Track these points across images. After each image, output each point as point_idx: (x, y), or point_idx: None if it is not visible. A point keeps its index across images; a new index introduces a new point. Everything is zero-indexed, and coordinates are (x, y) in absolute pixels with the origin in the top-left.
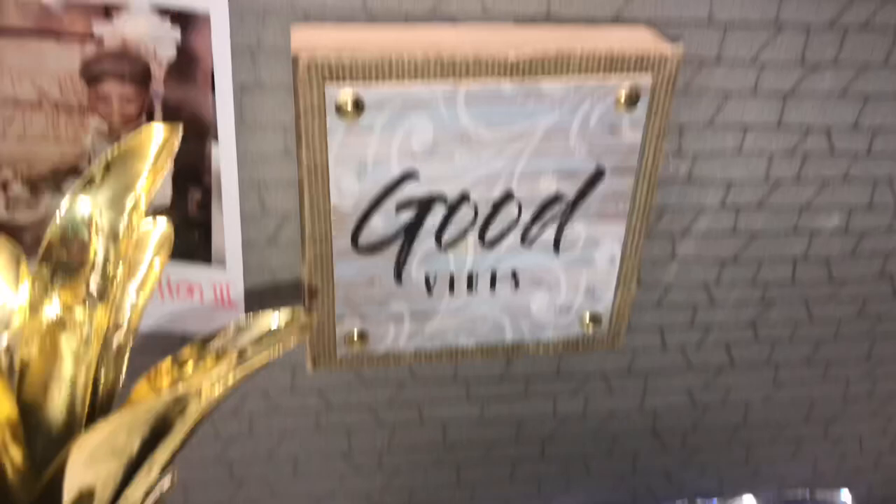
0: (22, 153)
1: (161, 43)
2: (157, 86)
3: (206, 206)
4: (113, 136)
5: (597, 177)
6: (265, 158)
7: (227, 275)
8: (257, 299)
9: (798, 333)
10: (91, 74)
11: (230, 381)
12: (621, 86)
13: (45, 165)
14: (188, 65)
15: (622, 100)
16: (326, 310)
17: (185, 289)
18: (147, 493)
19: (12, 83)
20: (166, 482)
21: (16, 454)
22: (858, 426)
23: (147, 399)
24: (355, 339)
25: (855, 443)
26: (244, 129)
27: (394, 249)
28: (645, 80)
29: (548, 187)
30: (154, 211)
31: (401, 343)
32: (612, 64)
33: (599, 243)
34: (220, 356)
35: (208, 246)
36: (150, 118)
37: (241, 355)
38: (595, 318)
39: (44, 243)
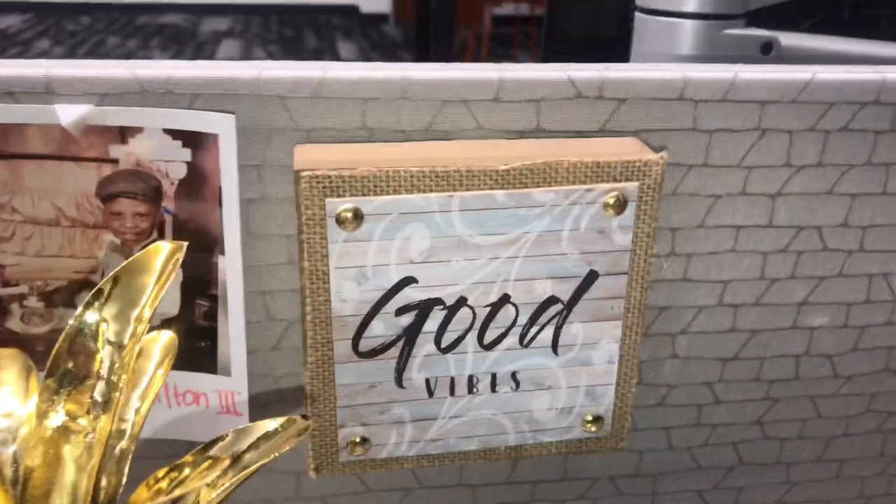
0: (38, 268)
1: (172, 162)
2: (168, 202)
3: (212, 315)
4: (126, 250)
5: (590, 279)
6: (270, 268)
7: (232, 383)
8: (261, 406)
9: (807, 431)
10: (106, 193)
11: (226, 485)
12: (609, 192)
13: (60, 280)
14: (197, 182)
15: (611, 205)
16: (328, 415)
17: (191, 397)
18: None
19: (33, 203)
20: None
21: None
22: None
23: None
24: (357, 444)
25: None
26: (251, 240)
27: (394, 353)
28: (632, 187)
29: (543, 290)
30: (162, 320)
31: (403, 448)
32: (599, 172)
33: (597, 344)
34: (216, 461)
35: (214, 355)
36: (162, 233)
37: (237, 460)
38: (597, 419)
39: (52, 355)
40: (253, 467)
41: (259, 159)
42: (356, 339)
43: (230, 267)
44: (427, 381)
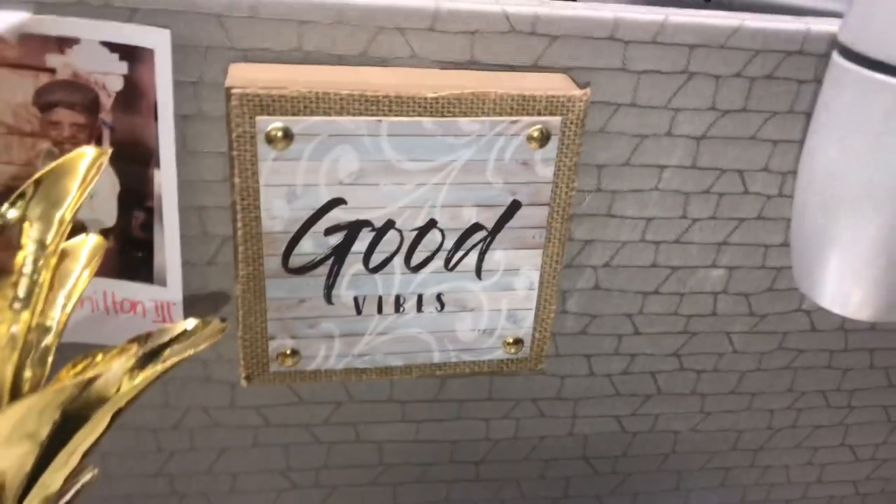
0: None
1: (109, 75)
2: (106, 115)
3: (148, 227)
4: None
5: (513, 208)
6: (206, 184)
7: (168, 293)
8: (197, 317)
9: (722, 364)
10: (44, 102)
11: (144, 376)
12: (533, 125)
13: None
14: (134, 96)
15: (534, 138)
16: (258, 327)
17: (128, 305)
18: (66, 482)
19: None
20: (88, 474)
21: None
22: (784, 457)
23: (47, 391)
24: (287, 356)
25: (782, 474)
26: (186, 156)
27: (323, 271)
28: (555, 121)
29: (468, 217)
30: (99, 230)
31: (331, 361)
32: (525, 105)
33: (519, 271)
34: (129, 349)
35: (150, 265)
36: (99, 144)
37: (156, 354)
38: (517, 342)
39: None
40: (170, 361)
41: (195, 76)
42: (286, 256)
43: (165, 180)
44: (355, 298)
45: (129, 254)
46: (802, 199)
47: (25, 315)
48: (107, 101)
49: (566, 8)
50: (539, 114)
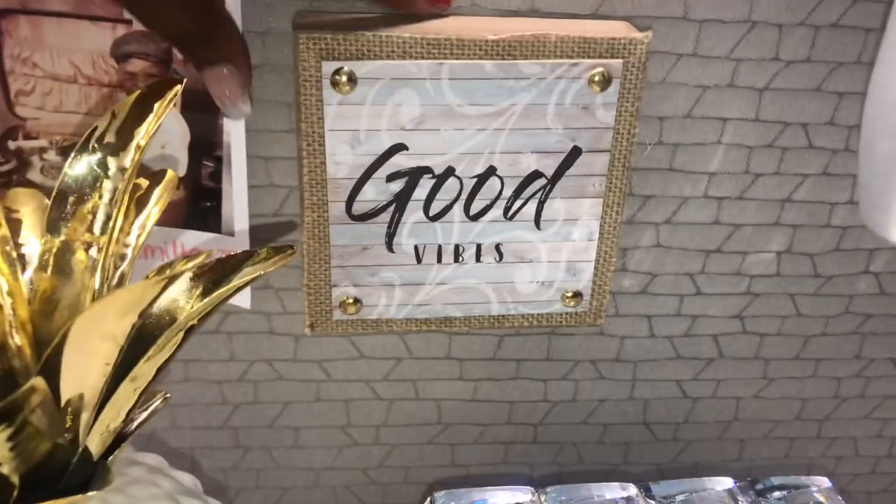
0: (57, 124)
1: None
2: (177, 65)
3: (217, 177)
4: None
5: (573, 155)
6: (273, 135)
7: (235, 242)
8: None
9: (786, 328)
10: (120, 53)
11: (215, 295)
12: (594, 68)
13: (77, 136)
14: None
15: (595, 81)
16: (322, 274)
17: (196, 253)
18: (140, 402)
19: (52, 60)
20: (159, 398)
21: (25, 349)
22: (851, 429)
23: (130, 288)
24: (349, 304)
25: (850, 446)
26: (254, 106)
27: (385, 218)
28: (616, 64)
29: (528, 164)
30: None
31: (392, 311)
32: (585, 48)
33: (578, 220)
34: (204, 264)
35: (219, 214)
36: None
37: (227, 275)
38: (576, 295)
39: (58, 183)
40: (239, 281)
41: (263, 27)
42: (349, 202)
43: (234, 130)
44: (416, 247)
45: (198, 203)
46: (871, 128)
47: (103, 239)
48: (179, 52)
49: None
50: (600, 56)
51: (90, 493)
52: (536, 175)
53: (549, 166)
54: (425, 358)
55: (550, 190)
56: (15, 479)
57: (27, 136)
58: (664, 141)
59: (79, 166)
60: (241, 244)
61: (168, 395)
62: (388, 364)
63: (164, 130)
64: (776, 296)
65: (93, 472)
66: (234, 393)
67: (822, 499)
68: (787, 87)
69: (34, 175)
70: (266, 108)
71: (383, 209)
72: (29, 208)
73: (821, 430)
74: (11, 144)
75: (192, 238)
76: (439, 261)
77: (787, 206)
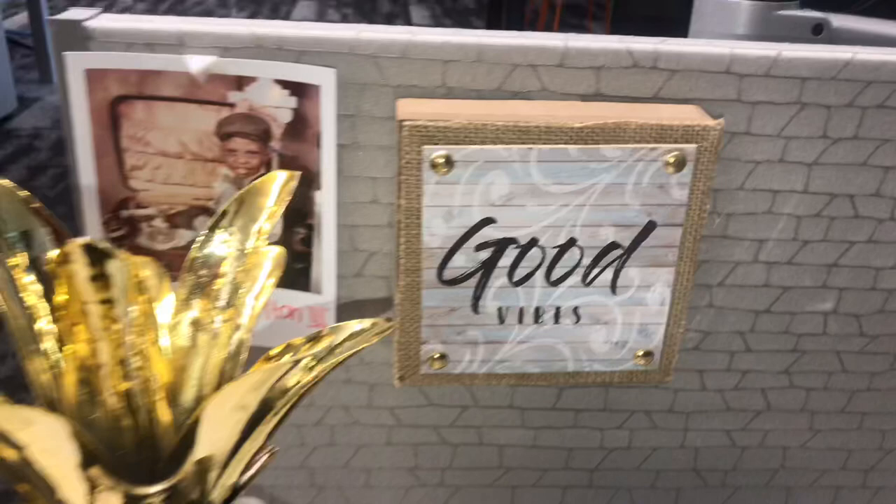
0: (164, 194)
1: (280, 108)
2: (276, 143)
3: (308, 242)
4: (238, 182)
5: (649, 229)
6: (358, 205)
7: (323, 300)
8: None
9: (832, 383)
10: (223, 132)
11: (323, 367)
12: (670, 152)
13: (181, 205)
14: (301, 126)
15: (671, 163)
16: (413, 332)
17: (287, 310)
18: (254, 458)
19: (163, 139)
20: (266, 454)
21: (164, 413)
22: None
23: (261, 368)
24: (436, 359)
25: (894, 496)
26: (341, 180)
27: (472, 283)
28: (691, 148)
29: (606, 236)
30: (269, 243)
31: (475, 366)
32: (663, 134)
33: (651, 287)
34: (317, 342)
35: (308, 275)
36: (269, 169)
37: (333, 349)
38: (647, 354)
39: (188, 258)
40: (344, 355)
41: (353, 110)
42: (441, 269)
43: (325, 201)
44: (499, 309)
45: (291, 265)
46: None
47: (228, 312)
48: (277, 131)
49: (685, 44)
50: (676, 141)
51: None
52: (614, 246)
53: (625, 238)
54: (489, 407)
55: (626, 259)
56: None
57: (138, 206)
58: (718, 210)
59: (208, 246)
60: (327, 301)
61: (276, 451)
62: (455, 412)
63: None
64: (823, 353)
65: None
66: (312, 436)
67: None
68: (834, 161)
69: (142, 240)
70: (352, 182)
71: (471, 275)
72: (147, 275)
73: (866, 480)
74: (124, 213)
75: (286, 296)
76: (520, 321)
77: (835, 271)
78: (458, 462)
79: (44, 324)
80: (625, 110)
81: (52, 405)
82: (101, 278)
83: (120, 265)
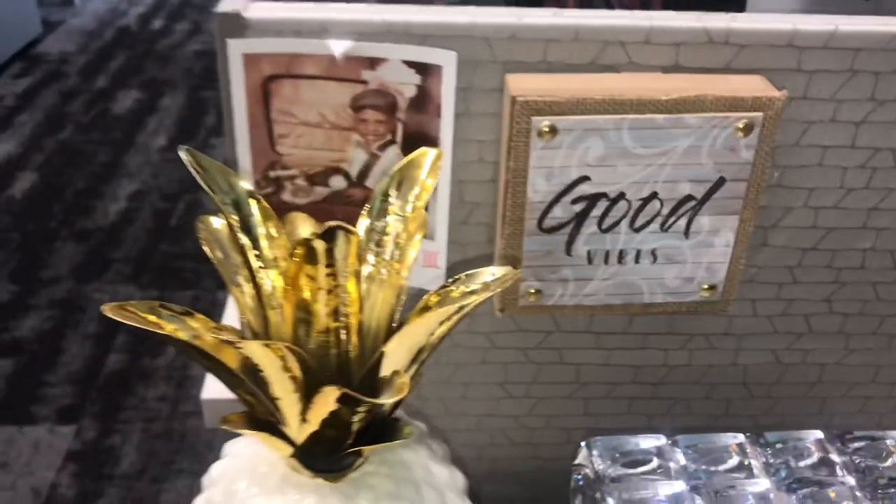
0: (305, 158)
1: (406, 85)
2: (401, 114)
3: None
4: (367, 147)
5: (719, 183)
6: (466, 164)
7: (436, 245)
8: (451, 262)
9: (866, 310)
10: (357, 105)
11: (463, 305)
12: (741, 119)
13: (319, 167)
14: (424, 100)
15: (740, 129)
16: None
17: None
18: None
19: (305, 111)
20: (419, 377)
21: (356, 347)
22: None
23: (434, 312)
24: (533, 294)
25: None
26: (454, 143)
27: (566, 231)
28: (758, 116)
29: (683, 190)
30: None
31: (565, 299)
32: (735, 104)
33: (718, 232)
34: (462, 287)
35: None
36: (394, 137)
37: (471, 293)
38: (711, 287)
39: (364, 214)
40: (481, 297)
41: (465, 84)
42: (541, 219)
43: (443, 162)
44: (588, 252)
45: None
46: None
47: (395, 265)
48: (403, 104)
49: (754, 21)
50: (746, 110)
51: (396, 441)
52: (689, 198)
53: (699, 191)
54: (570, 331)
55: (699, 209)
56: (352, 434)
57: (283, 167)
58: (776, 164)
59: (377, 211)
60: (441, 246)
61: (423, 374)
62: (540, 336)
63: (389, 162)
64: (860, 284)
65: (389, 429)
66: None
67: (894, 447)
68: (879, 120)
69: (286, 196)
70: (463, 145)
71: (566, 224)
72: (307, 228)
73: (891, 392)
74: (272, 174)
75: None
76: (606, 262)
77: (874, 213)
78: (540, 378)
79: (255, 270)
80: (700, 81)
81: (258, 335)
82: (331, 250)
83: (345, 240)
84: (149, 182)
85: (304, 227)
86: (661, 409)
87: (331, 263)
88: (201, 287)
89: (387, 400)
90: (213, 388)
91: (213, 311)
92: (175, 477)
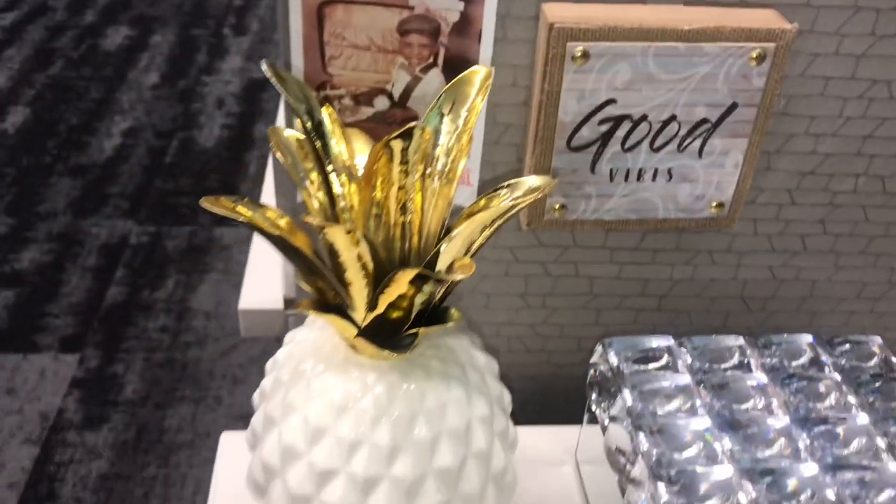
0: (353, 79)
1: (450, 11)
2: (444, 38)
3: None
4: (410, 70)
5: (732, 108)
6: (500, 88)
7: (470, 163)
8: (481, 180)
9: (856, 230)
10: (403, 30)
11: (514, 210)
12: (755, 49)
13: (365, 87)
14: (465, 25)
15: (754, 58)
16: None
17: None
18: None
19: (355, 35)
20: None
21: (417, 240)
22: None
23: (486, 212)
24: (558, 209)
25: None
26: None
27: (592, 150)
28: (771, 46)
29: (699, 113)
30: None
31: (587, 214)
32: (751, 34)
33: (729, 153)
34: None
35: None
36: (436, 60)
37: (517, 197)
38: (720, 205)
39: (417, 137)
40: (526, 201)
41: (504, 11)
42: (570, 139)
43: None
44: (611, 170)
45: None
46: None
47: (447, 175)
48: (445, 29)
49: None
50: (760, 41)
51: (448, 324)
52: (704, 121)
53: (713, 115)
54: (586, 247)
55: (713, 131)
56: (411, 318)
57: (332, 87)
58: (783, 93)
59: (430, 125)
60: (474, 164)
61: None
62: (559, 251)
63: (429, 84)
64: (852, 207)
65: (440, 315)
66: None
67: (877, 350)
68: (878, 54)
69: None
70: (498, 70)
71: (592, 143)
72: (361, 142)
73: (874, 307)
74: (321, 93)
75: None
76: (626, 180)
77: (869, 141)
78: (557, 290)
79: (327, 171)
80: (718, 13)
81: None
82: (406, 150)
83: (420, 139)
84: (142, 119)
85: (358, 140)
86: (665, 320)
87: (404, 161)
88: (198, 223)
89: (456, 276)
90: (248, 300)
91: (211, 247)
92: (178, 404)
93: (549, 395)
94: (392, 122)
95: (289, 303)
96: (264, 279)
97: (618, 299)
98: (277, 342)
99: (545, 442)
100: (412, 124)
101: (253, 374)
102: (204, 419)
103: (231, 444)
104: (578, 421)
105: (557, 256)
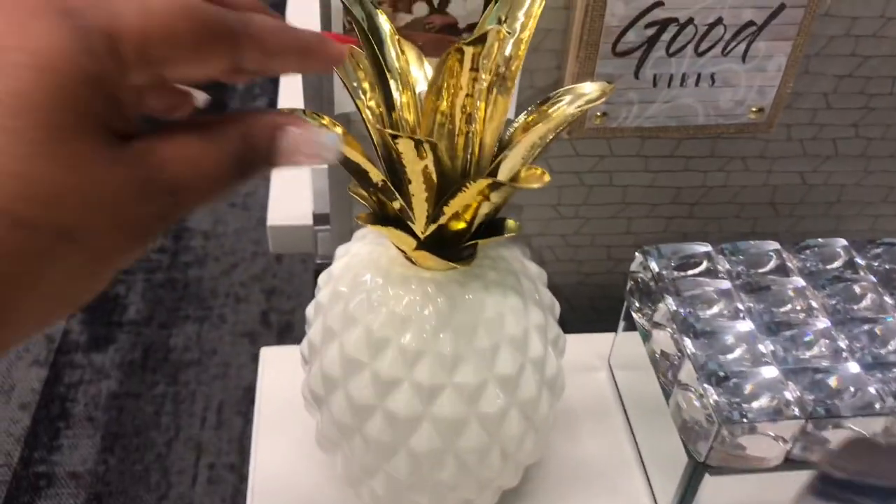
0: None
1: None
2: None
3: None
4: None
5: (779, 9)
6: None
7: None
8: (519, 88)
9: (888, 134)
10: None
11: (575, 116)
12: None
13: None
14: None
15: None
16: None
17: None
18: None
19: None
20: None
21: (478, 149)
22: None
23: (548, 120)
24: (599, 116)
25: None
26: None
27: (637, 55)
28: None
29: (746, 16)
30: (466, 26)
31: (628, 121)
32: None
33: (772, 57)
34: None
35: None
36: None
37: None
38: (760, 110)
39: (475, 35)
40: (586, 107)
41: None
42: (615, 43)
43: None
44: (654, 75)
45: None
46: None
47: (507, 83)
48: None
49: None
50: None
51: (507, 234)
52: (750, 24)
53: (760, 17)
54: (621, 156)
55: (758, 34)
56: (472, 229)
57: None
58: None
59: (488, 25)
60: None
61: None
62: (594, 160)
63: None
64: (886, 110)
65: (497, 226)
66: None
67: None
68: None
69: None
70: None
71: (638, 48)
72: (412, 55)
73: None
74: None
75: None
76: (669, 85)
77: None
78: (590, 199)
79: (387, 78)
80: None
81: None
82: (477, 57)
83: (493, 44)
84: None
85: (412, 54)
86: (695, 228)
87: (474, 67)
88: None
89: (532, 185)
90: (277, 216)
91: None
92: (182, 323)
93: (574, 304)
94: (431, 28)
95: (318, 219)
96: (292, 195)
97: (649, 208)
98: (302, 261)
99: (578, 349)
100: (490, 27)
101: (255, 293)
102: (209, 337)
103: (273, 359)
104: (604, 329)
105: (593, 166)
